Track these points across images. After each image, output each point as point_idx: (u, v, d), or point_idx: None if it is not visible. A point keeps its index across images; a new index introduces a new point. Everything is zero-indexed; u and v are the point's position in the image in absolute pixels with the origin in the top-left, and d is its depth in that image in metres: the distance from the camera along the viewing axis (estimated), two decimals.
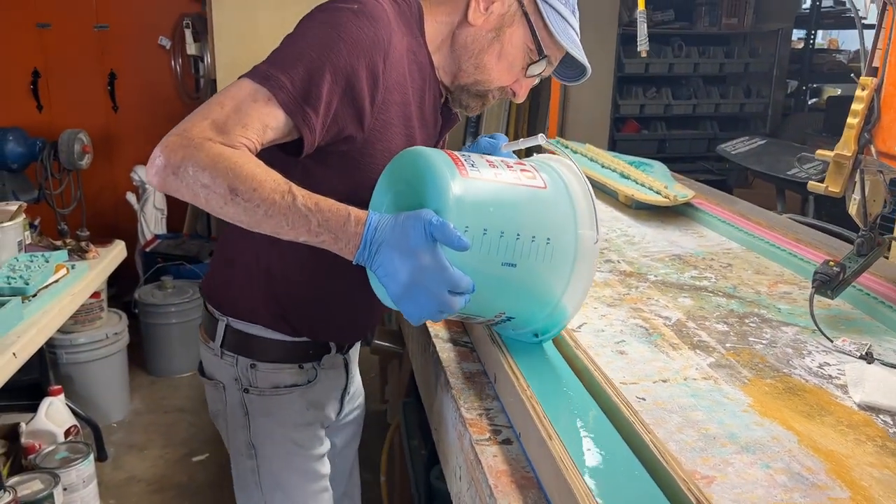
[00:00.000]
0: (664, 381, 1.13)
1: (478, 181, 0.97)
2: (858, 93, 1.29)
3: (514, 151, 1.22)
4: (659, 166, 2.42)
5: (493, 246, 0.94)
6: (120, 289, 3.89)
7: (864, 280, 1.48)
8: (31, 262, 2.04)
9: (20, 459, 2.35)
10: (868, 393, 1.07)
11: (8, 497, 1.89)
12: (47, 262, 2.05)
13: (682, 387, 1.12)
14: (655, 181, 2.17)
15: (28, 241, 2.34)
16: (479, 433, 0.98)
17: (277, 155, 1.06)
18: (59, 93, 4.13)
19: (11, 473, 2.23)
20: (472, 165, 1.00)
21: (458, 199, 0.93)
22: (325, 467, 1.33)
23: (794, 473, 0.91)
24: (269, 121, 0.99)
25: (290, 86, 0.99)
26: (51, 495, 2.13)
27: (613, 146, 4.17)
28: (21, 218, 2.19)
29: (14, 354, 1.73)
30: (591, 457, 0.85)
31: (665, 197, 2.06)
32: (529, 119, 4.57)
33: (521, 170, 1.04)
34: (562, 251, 0.99)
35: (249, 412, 1.25)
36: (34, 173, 2.94)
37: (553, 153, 1.24)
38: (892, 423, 1.03)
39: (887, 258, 1.56)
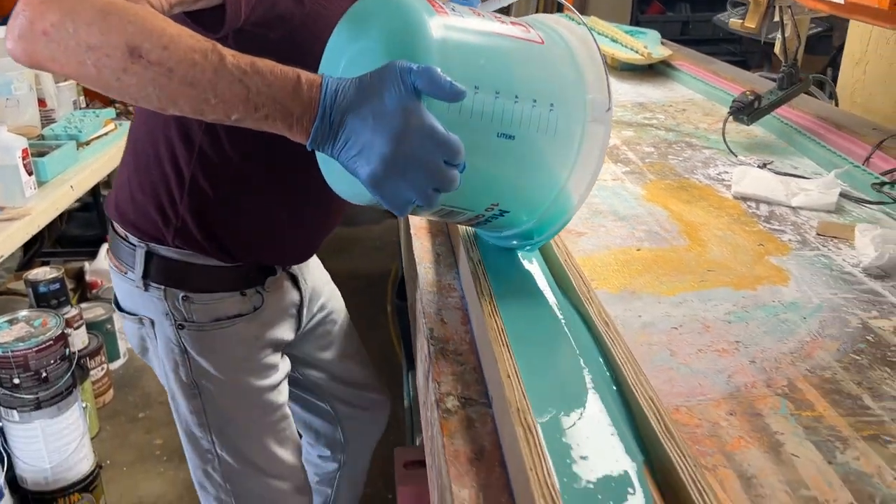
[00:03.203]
0: None
1: (461, 25, 0.77)
2: None
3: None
4: (651, 33, 2.57)
5: (486, 110, 0.73)
6: None
7: (789, 114, 1.67)
8: (84, 116, 2.36)
9: (86, 293, 2.75)
10: (743, 186, 1.29)
11: (74, 311, 2.28)
12: (97, 116, 2.37)
13: None
14: (638, 43, 2.33)
15: (83, 105, 2.67)
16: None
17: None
18: None
19: (79, 303, 2.63)
20: (453, 10, 0.80)
21: (442, 43, 0.72)
22: (282, 395, 1.19)
23: (651, 232, 1.15)
24: None
25: None
26: (110, 318, 2.53)
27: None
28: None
29: (71, 187, 2.06)
30: None
31: (641, 55, 2.23)
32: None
33: (512, 23, 0.84)
34: (568, 120, 0.79)
35: (188, 349, 1.07)
36: None
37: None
38: (755, 206, 1.26)
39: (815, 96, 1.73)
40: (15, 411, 1.66)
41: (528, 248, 0.93)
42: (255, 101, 0.68)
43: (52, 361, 1.67)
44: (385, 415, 1.51)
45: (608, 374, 0.70)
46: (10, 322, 1.71)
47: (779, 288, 0.98)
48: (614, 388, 0.69)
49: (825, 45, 3.45)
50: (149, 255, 1.03)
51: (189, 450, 1.17)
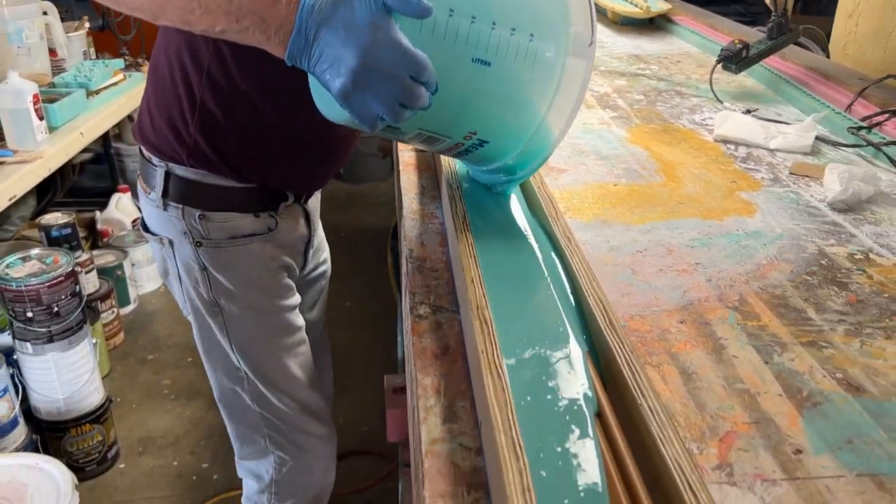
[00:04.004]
0: None
1: None
2: None
3: None
4: None
5: (461, 33, 0.74)
6: None
7: (779, 65, 1.70)
8: (94, 66, 2.42)
9: (98, 242, 2.83)
10: (724, 129, 1.34)
11: (86, 256, 2.36)
12: (107, 66, 2.42)
13: (579, 128, 1.40)
14: None
15: (92, 56, 2.72)
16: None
17: None
18: None
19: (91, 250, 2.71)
20: None
21: None
22: (300, 319, 1.23)
23: (630, 170, 1.20)
24: None
25: None
26: (120, 265, 2.61)
27: None
28: (84, 30, 2.55)
29: (81, 133, 2.12)
30: None
31: (640, 8, 2.25)
32: None
33: None
34: (548, 52, 0.79)
35: (207, 267, 1.12)
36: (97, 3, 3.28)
37: None
38: (734, 148, 1.30)
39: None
40: (29, 344, 1.75)
41: (511, 182, 0.94)
42: (237, 13, 0.73)
43: (63, 297, 1.74)
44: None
45: (566, 283, 0.76)
46: (23, 259, 1.79)
47: (745, 219, 1.03)
48: (570, 294, 0.74)
49: (836, 4, 3.43)
50: (167, 175, 1.08)
51: (215, 369, 1.20)
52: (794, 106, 1.54)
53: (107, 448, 1.96)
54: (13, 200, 1.78)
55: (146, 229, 1.17)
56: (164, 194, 1.09)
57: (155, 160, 1.09)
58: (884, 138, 1.27)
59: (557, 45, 0.80)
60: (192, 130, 1.04)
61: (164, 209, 1.10)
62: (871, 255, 0.93)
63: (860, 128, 1.31)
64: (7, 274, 1.71)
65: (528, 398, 0.59)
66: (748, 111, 1.45)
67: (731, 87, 1.66)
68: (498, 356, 0.61)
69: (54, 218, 2.33)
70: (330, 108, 0.79)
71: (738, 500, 0.56)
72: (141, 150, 1.13)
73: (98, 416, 1.91)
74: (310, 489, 1.30)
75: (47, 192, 3.02)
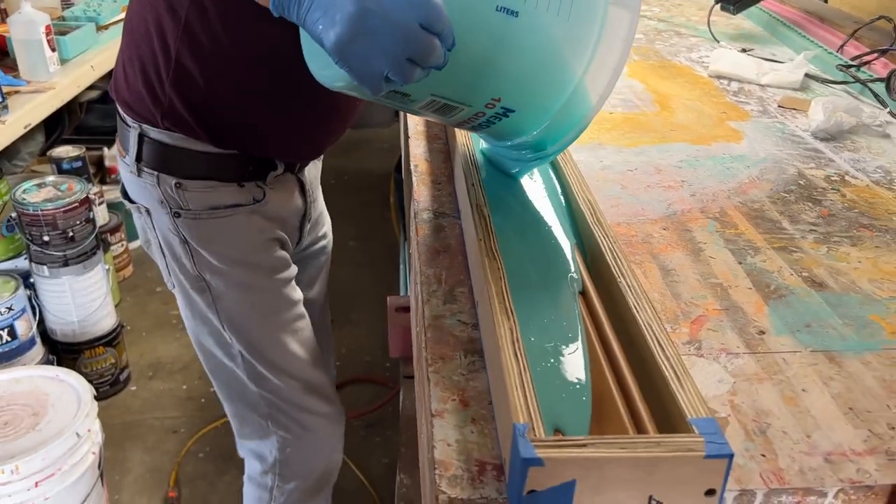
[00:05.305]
0: None
1: None
2: None
3: None
4: None
5: None
6: None
7: (776, 7, 1.74)
8: (103, 1, 2.44)
9: (106, 178, 2.89)
10: (719, 65, 1.38)
11: (96, 189, 2.42)
12: (115, 2, 2.45)
13: None
14: None
15: None
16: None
17: None
18: None
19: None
20: None
21: None
22: (297, 292, 1.13)
23: (626, 100, 1.25)
24: None
25: None
26: None
27: None
28: None
29: (92, 67, 2.16)
30: None
31: None
32: None
33: None
34: (586, 0, 0.67)
35: (188, 239, 1.02)
36: None
37: None
38: (726, 83, 1.35)
39: None
40: (45, 267, 1.82)
41: (539, 160, 0.81)
42: None
43: (77, 222, 1.81)
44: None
45: (560, 190, 0.82)
46: (39, 186, 1.85)
47: (731, 144, 1.09)
48: (563, 200, 0.81)
49: None
50: (141, 138, 0.98)
51: (206, 345, 1.10)
52: (788, 46, 1.58)
53: (119, 371, 2.05)
54: (28, 128, 1.83)
55: (126, 196, 1.07)
56: (138, 158, 0.99)
57: (129, 120, 0.99)
58: (871, 76, 1.32)
59: None
60: (167, 88, 0.94)
61: (139, 175, 1.00)
62: (846, 178, 0.99)
63: (849, 66, 1.36)
64: (24, 199, 1.78)
65: (520, 278, 0.65)
66: (744, 50, 1.50)
67: (728, 28, 1.70)
68: (494, 243, 0.68)
69: (65, 151, 2.38)
70: (324, 70, 0.69)
71: (704, 368, 0.63)
72: (117, 109, 1.03)
73: (111, 339, 1.99)
74: (315, 469, 1.23)
75: (55, 129, 3.06)
